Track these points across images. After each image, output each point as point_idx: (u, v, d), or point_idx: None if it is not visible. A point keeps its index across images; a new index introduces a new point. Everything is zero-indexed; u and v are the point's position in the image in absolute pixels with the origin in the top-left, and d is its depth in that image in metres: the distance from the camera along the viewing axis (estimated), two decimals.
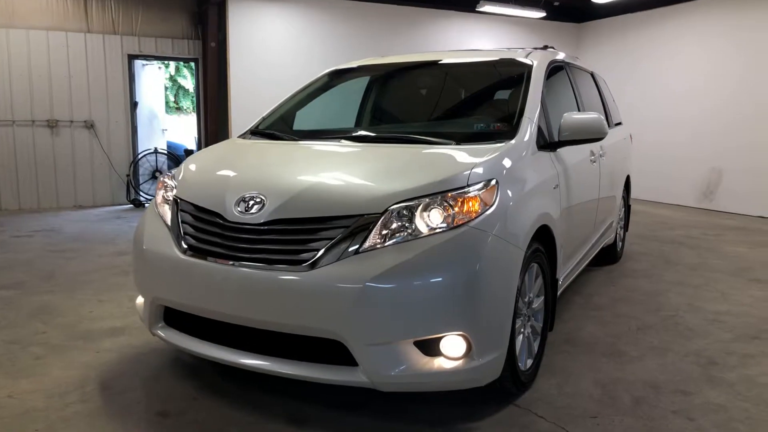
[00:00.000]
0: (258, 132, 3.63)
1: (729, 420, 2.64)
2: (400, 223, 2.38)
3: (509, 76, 3.69)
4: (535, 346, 2.97)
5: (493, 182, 2.54)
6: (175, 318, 2.79)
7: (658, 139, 9.76)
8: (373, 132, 3.59)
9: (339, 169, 2.75)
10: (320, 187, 2.54)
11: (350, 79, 4.30)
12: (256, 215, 2.48)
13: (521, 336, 2.78)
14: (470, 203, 2.44)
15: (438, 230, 2.37)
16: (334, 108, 4.32)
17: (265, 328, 2.44)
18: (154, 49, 9.00)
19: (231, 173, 2.82)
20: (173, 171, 3.15)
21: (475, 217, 2.42)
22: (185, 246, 2.64)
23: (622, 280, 4.95)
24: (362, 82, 4.42)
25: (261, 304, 2.41)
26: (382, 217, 2.37)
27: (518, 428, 2.55)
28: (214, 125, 9.20)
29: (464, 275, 2.32)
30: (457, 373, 2.36)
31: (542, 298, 2.99)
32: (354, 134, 3.42)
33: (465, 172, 2.52)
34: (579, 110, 4.12)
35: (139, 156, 9.11)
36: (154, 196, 3.11)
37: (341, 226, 2.38)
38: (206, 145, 7.75)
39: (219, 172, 2.88)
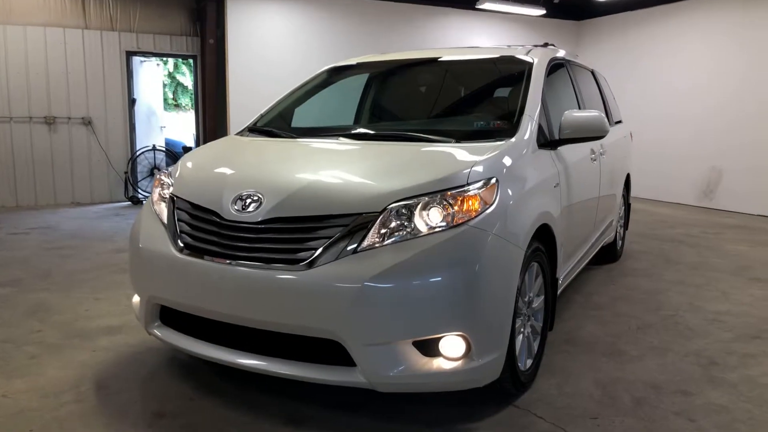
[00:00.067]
0: (256, 129, 3.60)
1: (731, 421, 2.62)
2: (399, 222, 2.35)
3: (509, 73, 3.66)
4: (535, 345, 2.95)
5: (493, 181, 2.51)
6: (171, 317, 2.76)
7: (658, 137, 9.74)
8: (371, 129, 3.56)
9: (337, 167, 2.71)
10: (318, 186, 2.51)
11: (349, 76, 4.27)
12: (253, 214, 2.45)
13: (521, 336, 2.76)
14: (470, 202, 2.41)
15: (437, 229, 2.34)
16: (333, 105, 4.29)
17: (262, 327, 2.41)
18: (152, 45, 8.96)
19: (228, 171, 2.79)
20: (170, 168, 3.12)
21: (475, 216, 2.39)
22: (181, 244, 2.61)
23: (622, 279, 4.93)
24: (361, 79, 4.39)
25: (258, 304, 2.38)
26: (381, 216, 2.34)
27: (518, 429, 2.53)
28: (212, 122, 9.17)
29: (464, 275, 2.29)
30: (457, 374, 2.34)
31: (542, 297, 2.96)
32: (353, 132, 3.38)
33: (465, 171, 2.49)
34: (579, 108, 4.09)
35: (137, 153, 9.07)
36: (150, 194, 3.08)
37: (339, 224, 2.35)
38: (205, 143, 7.72)
39: (216, 170, 2.85)
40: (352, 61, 4.21)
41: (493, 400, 2.73)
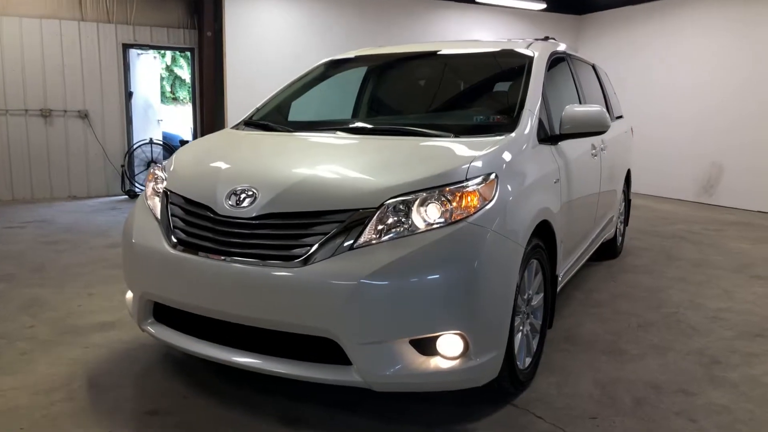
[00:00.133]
0: (252, 123, 3.54)
1: (733, 422, 2.58)
2: (396, 218, 2.30)
3: (510, 67, 3.60)
4: (534, 344, 2.90)
5: (493, 176, 2.46)
6: (165, 313, 2.71)
7: (659, 133, 9.68)
8: (369, 124, 3.50)
9: (334, 162, 2.66)
10: (314, 180, 2.45)
11: (347, 70, 4.21)
12: (247, 209, 2.40)
13: (520, 334, 2.71)
14: (469, 198, 2.36)
15: (435, 226, 2.29)
16: (331, 99, 4.23)
17: (257, 325, 2.36)
18: (149, 38, 8.87)
19: (222, 165, 2.73)
20: (164, 162, 3.06)
21: (474, 213, 2.34)
22: (175, 240, 2.55)
23: (622, 276, 4.88)
24: (360, 72, 4.33)
25: (252, 301, 2.33)
26: (378, 212, 2.29)
27: (516, 429, 2.48)
28: (210, 116, 9.09)
29: (462, 272, 2.24)
30: (454, 373, 2.29)
31: (542, 295, 2.92)
32: (350, 126, 3.33)
33: (464, 166, 2.44)
34: (580, 103, 4.04)
35: (134, 146, 9.00)
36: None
37: (335, 220, 2.30)
38: (202, 136, 7.66)
39: (210, 164, 2.79)
40: (351, 54, 4.15)
41: (491, 400, 2.68)
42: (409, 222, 2.30)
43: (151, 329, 2.74)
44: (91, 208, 7.89)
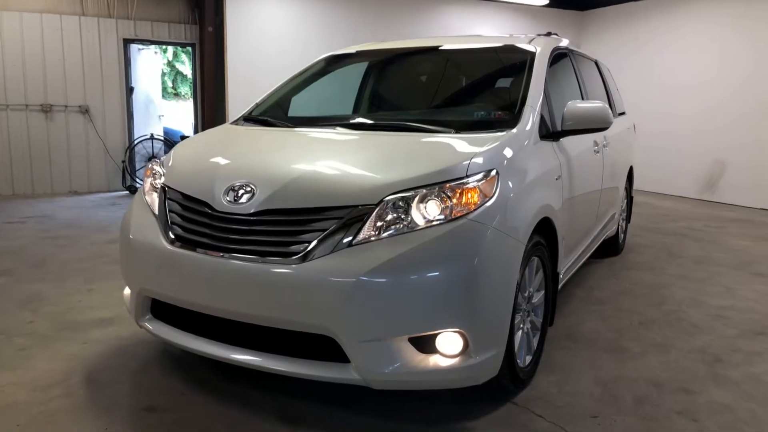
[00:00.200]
0: (251, 118, 3.52)
1: (735, 421, 2.55)
2: (395, 215, 2.27)
3: (511, 63, 3.57)
4: (535, 341, 2.88)
5: (494, 173, 2.44)
6: (162, 310, 2.70)
7: (661, 129, 9.63)
8: (370, 119, 3.47)
9: (333, 158, 2.64)
10: (313, 176, 2.43)
11: (348, 65, 4.18)
12: (245, 205, 2.38)
13: (520, 332, 2.69)
14: (469, 194, 2.33)
15: (435, 223, 2.27)
16: (331, 94, 4.21)
17: (255, 322, 2.34)
18: (150, 33, 8.85)
19: (220, 161, 2.71)
20: (162, 158, 3.04)
21: (474, 209, 2.31)
22: (172, 236, 2.53)
23: (624, 273, 4.86)
24: (361, 67, 4.30)
25: (249, 298, 2.31)
26: (377, 209, 2.27)
27: (516, 428, 2.47)
28: (211, 111, 9.06)
29: (462, 270, 2.22)
30: (454, 372, 2.27)
31: (542, 292, 2.89)
32: (350, 121, 3.30)
33: (464, 162, 2.41)
34: (583, 99, 4.01)
35: (135, 142, 8.99)
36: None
37: (334, 217, 2.28)
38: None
39: (208, 160, 2.77)
40: (352, 49, 4.12)
41: (491, 398, 2.66)
42: (409, 219, 2.27)
43: (148, 326, 2.72)
44: (92, 203, 7.88)
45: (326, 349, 2.27)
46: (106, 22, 8.53)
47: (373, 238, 2.24)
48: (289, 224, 2.33)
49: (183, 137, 9.62)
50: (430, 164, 2.41)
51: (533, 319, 2.86)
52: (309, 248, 2.24)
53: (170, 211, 2.62)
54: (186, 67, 18.32)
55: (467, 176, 2.36)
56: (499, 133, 2.74)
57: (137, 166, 8.98)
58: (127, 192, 8.74)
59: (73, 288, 4.21)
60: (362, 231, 2.25)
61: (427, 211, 2.29)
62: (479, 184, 2.37)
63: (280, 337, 2.35)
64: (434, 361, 2.26)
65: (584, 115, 3.09)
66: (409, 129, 2.93)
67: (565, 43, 3.99)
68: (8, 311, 3.71)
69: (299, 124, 3.32)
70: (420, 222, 2.27)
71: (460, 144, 2.62)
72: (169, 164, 2.87)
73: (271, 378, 2.73)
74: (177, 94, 19.13)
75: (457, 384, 2.38)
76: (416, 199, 2.30)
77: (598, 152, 3.96)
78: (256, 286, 2.29)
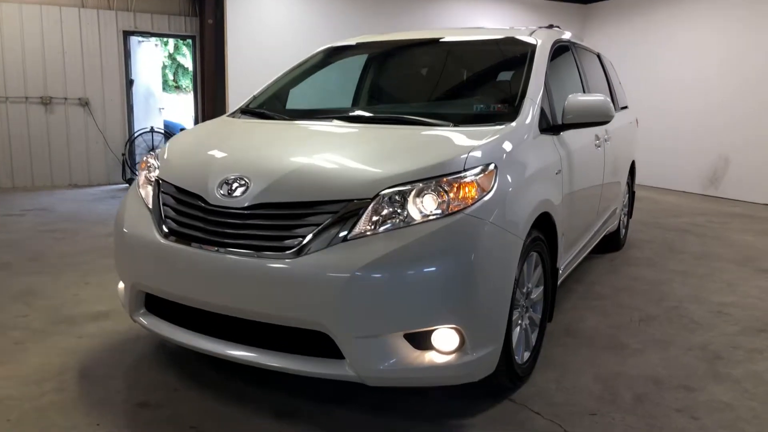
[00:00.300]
0: (248, 111, 3.47)
1: (736, 419, 2.52)
2: (391, 210, 2.24)
3: (512, 55, 3.52)
4: (533, 338, 2.84)
5: (492, 167, 2.40)
6: (157, 304, 2.67)
7: (664, 124, 9.56)
8: (369, 112, 3.43)
9: (329, 151, 2.59)
10: (308, 170, 2.39)
11: (348, 57, 4.13)
12: (239, 199, 2.34)
13: (518, 328, 2.65)
14: (466, 189, 2.29)
15: (432, 217, 2.23)
16: (331, 86, 4.16)
17: (248, 317, 2.31)
18: (150, 25, 8.79)
19: (215, 154, 2.67)
20: (157, 150, 3.01)
21: (472, 204, 2.27)
22: (166, 230, 2.50)
23: (624, 269, 4.82)
24: (360, 60, 4.25)
25: (243, 293, 2.28)
26: (373, 203, 2.23)
27: (513, 425, 2.43)
28: (211, 104, 9.02)
29: (458, 265, 2.18)
30: (450, 368, 2.24)
31: (541, 288, 2.86)
32: (347, 114, 3.26)
33: (462, 156, 2.37)
34: (584, 92, 3.95)
35: (135, 135, 8.96)
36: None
37: (329, 211, 2.24)
38: None
39: (203, 153, 2.73)
40: (351, 41, 4.07)
41: (488, 394, 2.63)
42: (405, 213, 2.23)
43: (143, 320, 2.69)
44: (92, 196, 7.86)
45: (321, 345, 2.24)
46: (106, 14, 8.48)
47: (368, 233, 2.20)
48: (284, 218, 2.30)
49: (183, 130, 9.58)
50: (428, 158, 2.37)
51: (532, 315, 2.82)
52: (303, 243, 2.20)
53: (164, 204, 2.59)
54: (187, 60, 18.25)
55: (465, 170, 2.32)
56: (498, 127, 2.69)
57: (137, 159, 8.95)
58: (127, 185, 8.70)
59: (70, 281, 4.19)
60: (358, 225, 2.21)
61: (423, 206, 2.25)
62: (477, 178, 2.33)
63: (275, 332, 2.32)
64: (430, 357, 2.22)
65: (585, 109, 3.05)
66: (407, 122, 2.89)
67: (567, 35, 3.94)
68: (4, 304, 3.69)
69: (296, 116, 3.28)
70: (416, 216, 2.23)
71: (459, 137, 2.58)
72: (164, 157, 2.83)
73: (266, 374, 2.70)
74: (178, 87, 19.07)
75: (453, 381, 2.34)
76: (413, 193, 2.26)
77: (599, 146, 3.91)
78: (249, 281, 2.26)
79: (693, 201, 8.55)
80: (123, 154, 8.82)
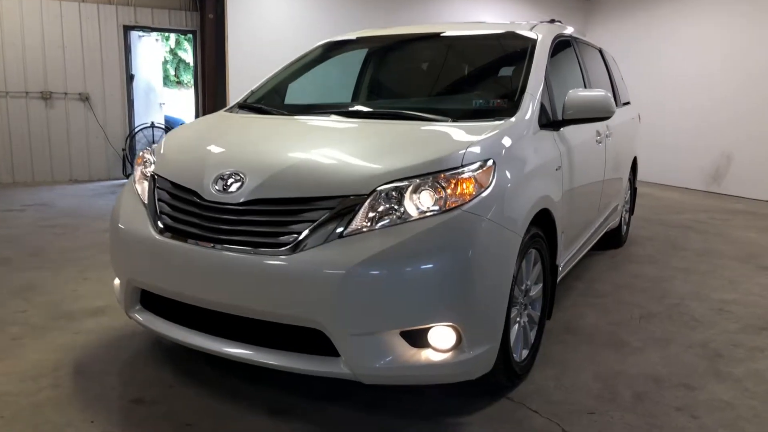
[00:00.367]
0: (246, 106, 3.45)
1: (736, 418, 2.49)
2: (388, 206, 2.21)
3: (512, 50, 3.49)
4: (532, 335, 2.82)
5: (490, 163, 2.37)
6: (152, 301, 2.65)
7: (666, 120, 9.51)
8: (368, 107, 3.40)
9: (325, 146, 2.56)
10: (303, 165, 2.36)
11: (347, 51, 4.10)
12: (234, 194, 2.31)
13: (517, 326, 2.63)
14: (464, 185, 2.26)
15: (429, 214, 2.20)
16: (331, 81, 4.13)
17: (243, 314, 2.29)
18: (150, 20, 8.76)
19: (211, 149, 2.64)
20: (154, 146, 2.98)
21: (469, 200, 2.24)
22: (161, 226, 2.48)
23: (626, 266, 4.78)
24: (360, 54, 4.22)
25: (238, 290, 2.25)
26: (369, 199, 2.20)
27: (511, 424, 2.41)
28: (211, 99, 9.00)
29: (455, 262, 2.15)
30: (446, 366, 2.21)
31: (540, 285, 2.83)
32: (345, 109, 3.23)
33: (460, 151, 2.34)
34: (585, 88, 3.92)
35: (136, 130, 8.94)
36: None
37: (325, 207, 2.22)
38: None
39: (199, 148, 2.70)
40: (352, 36, 4.04)
41: (486, 392, 2.61)
42: (402, 209, 2.21)
43: (138, 317, 2.67)
44: (92, 191, 7.85)
45: (317, 342, 2.21)
46: (106, 9, 8.46)
47: (365, 229, 2.18)
48: (279, 214, 2.27)
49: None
50: (425, 153, 2.34)
51: (531, 313, 2.79)
52: (298, 239, 2.18)
53: (159, 200, 2.57)
54: (188, 55, 18.22)
55: (462, 166, 2.30)
56: (498, 122, 2.66)
57: (138, 155, 8.93)
58: (128, 180, 8.69)
59: (69, 277, 4.17)
60: (354, 221, 2.18)
61: (420, 202, 2.22)
62: (475, 174, 2.30)
63: (270, 329, 2.30)
64: (426, 355, 2.20)
65: (585, 104, 3.01)
66: (405, 117, 2.85)
67: (568, 30, 3.90)
68: (3, 300, 3.68)
69: (294, 111, 3.25)
70: (413, 213, 2.20)
71: (457, 133, 2.55)
72: (160, 152, 2.81)
73: (261, 371, 2.68)
74: (180, 83, 19.04)
75: (449, 379, 2.31)
76: (409, 189, 2.23)
77: (600, 142, 3.88)
78: (244, 277, 2.24)
79: (695, 197, 8.50)
80: (123, 150, 8.80)
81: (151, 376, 2.73)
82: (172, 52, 18.23)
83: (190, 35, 9.47)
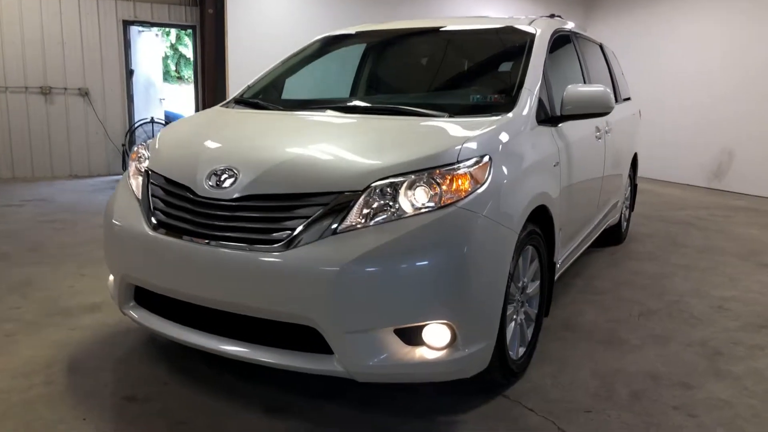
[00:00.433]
0: (242, 101, 3.42)
1: (735, 417, 2.47)
2: (382, 202, 2.18)
3: (510, 44, 3.45)
4: (529, 333, 2.80)
5: (486, 158, 2.34)
6: (147, 297, 2.63)
7: (667, 116, 9.46)
8: (365, 102, 3.37)
9: (320, 142, 2.54)
10: (297, 161, 2.34)
11: (345, 46, 4.07)
12: (227, 190, 2.29)
13: (513, 323, 2.61)
14: (459, 181, 2.24)
15: (424, 210, 2.18)
16: (329, 76, 4.10)
17: (236, 311, 2.27)
18: (149, 15, 8.73)
19: (205, 144, 2.62)
20: (149, 141, 2.96)
21: (465, 197, 2.22)
22: (155, 221, 2.46)
23: (625, 263, 4.76)
24: (359, 49, 4.19)
25: (231, 286, 2.23)
26: (364, 195, 2.18)
27: (506, 422, 2.39)
28: (211, 94, 8.97)
29: (450, 259, 2.13)
30: (441, 364, 2.19)
31: (538, 282, 2.81)
32: (341, 105, 3.20)
33: (456, 147, 2.31)
34: (585, 83, 3.88)
35: (135, 125, 8.92)
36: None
37: (319, 203, 2.19)
38: None
39: (193, 143, 2.68)
40: (351, 30, 4.01)
41: (481, 390, 2.59)
42: (397, 206, 2.18)
43: (132, 314, 2.65)
44: (92, 187, 7.83)
45: (311, 339, 2.19)
46: (106, 3, 8.42)
47: (359, 226, 2.15)
48: (273, 210, 2.25)
49: None
50: (420, 149, 2.32)
51: (528, 310, 2.77)
52: (292, 236, 2.16)
53: (153, 195, 2.54)
54: (189, 51, 18.19)
55: (458, 162, 2.27)
56: (495, 117, 2.64)
57: None
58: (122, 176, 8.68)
59: (66, 272, 4.16)
60: (348, 218, 2.16)
61: (415, 198, 2.20)
62: (471, 170, 2.28)
63: (265, 327, 2.28)
64: (421, 353, 2.18)
65: (584, 100, 2.98)
66: (402, 113, 2.83)
67: (568, 25, 3.87)
68: (0, 296, 3.67)
69: (290, 107, 3.22)
70: (408, 209, 2.18)
71: (453, 128, 2.52)
72: (155, 147, 2.79)
73: (257, 369, 2.66)
74: (180, 78, 19.00)
75: (444, 377, 2.30)
76: (404, 185, 2.20)
77: (600, 138, 3.85)
78: (237, 274, 2.22)
79: (696, 194, 8.46)
80: (123, 145, 8.78)
81: (146, 373, 2.72)
82: (173, 47, 18.21)
83: (189, 30, 9.43)
